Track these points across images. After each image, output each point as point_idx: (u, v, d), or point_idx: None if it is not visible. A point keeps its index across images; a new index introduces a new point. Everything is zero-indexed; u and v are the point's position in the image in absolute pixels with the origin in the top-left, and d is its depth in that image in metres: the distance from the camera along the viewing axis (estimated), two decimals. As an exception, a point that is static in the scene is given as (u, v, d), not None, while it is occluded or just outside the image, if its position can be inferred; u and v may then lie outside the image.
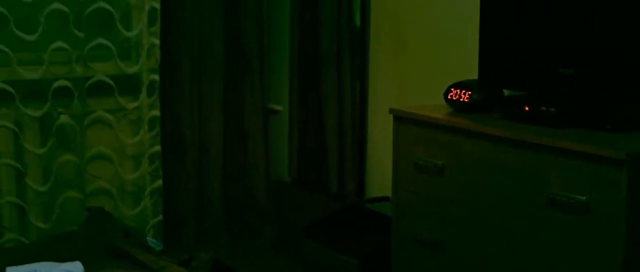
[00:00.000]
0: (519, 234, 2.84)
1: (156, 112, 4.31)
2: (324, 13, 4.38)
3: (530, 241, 2.79)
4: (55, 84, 4.06)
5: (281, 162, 4.76)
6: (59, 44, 4.05)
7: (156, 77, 4.29)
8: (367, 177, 4.34)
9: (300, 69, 4.51)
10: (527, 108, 2.94)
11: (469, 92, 3.15)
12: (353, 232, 3.88)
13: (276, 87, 4.74)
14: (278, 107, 4.74)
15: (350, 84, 4.39)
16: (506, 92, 3.25)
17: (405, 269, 3.33)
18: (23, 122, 4.05)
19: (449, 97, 3.22)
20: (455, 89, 3.21)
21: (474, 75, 3.31)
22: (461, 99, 3.18)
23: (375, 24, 4.29)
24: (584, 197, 2.59)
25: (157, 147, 4.36)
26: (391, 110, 3.30)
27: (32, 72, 4.02)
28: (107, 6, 4.15)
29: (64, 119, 4.11)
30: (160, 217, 4.38)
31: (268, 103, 4.63)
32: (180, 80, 4.32)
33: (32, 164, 4.10)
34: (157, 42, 4.25)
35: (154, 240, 3.44)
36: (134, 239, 3.12)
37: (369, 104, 4.34)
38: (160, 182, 4.38)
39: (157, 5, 4.22)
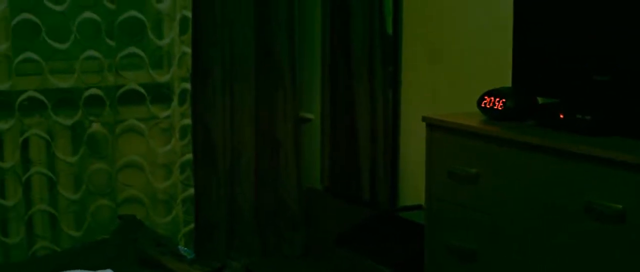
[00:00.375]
0: (553, 242, 2.79)
1: (188, 121, 4.31)
2: (355, 21, 4.34)
3: (565, 249, 2.74)
4: (87, 93, 4.08)
5: (313, 171, 4.74)
6: (90, 52, 4.06)
7: (188, 85, 4.29)
8: (400, 186, 4.30)
9: (332, 77, 4.48)
10: (562, 115, 2.89)
11: (503, 100, 3.11)
12: (385, 241, 3.85)
13: (308, 95, 4.71)
14: (310, 116, 4.72)
15: (382, 92, 4.35)
16: (540, 100, 3.21)
17: (438, 278, 3.29)
18: (55, 130, 4.07)
19: (482, 104, 3.18)
20: (488, 96, 3.16)
21: (507, 83, 3.27)
22: (495, 107, 3.13)
23: (407, 32, 4.25)
24: (620, 206, 2.54)
25: (189, 156, 4.35)
26: (424, 118, 3.26)
27: (64, 80, 4.03)
28: (139, 15, 4.16)
29: (95, 127, 4.13)
30: (192, 225, 4.37)
31: (300, 111, 4.61)
32: (211, 89, 4.32)
33: (64, 173, 4.11)
34: (188, 50, 4.25)
35: (185, 248, 3.43)
36: (166, 248, 3.11)
37: (402, 111, 4.30)
38: (191, 190, 4.38)
39: (189, 14, 4.22)
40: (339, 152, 4.51)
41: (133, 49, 4.18)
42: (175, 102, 4.30)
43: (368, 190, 4.33)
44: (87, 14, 4.02)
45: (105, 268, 2.89)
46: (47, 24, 3.98)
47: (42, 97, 3.99)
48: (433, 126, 3.23)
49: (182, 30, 4.26)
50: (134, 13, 4.15)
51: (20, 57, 3.95)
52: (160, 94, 4.29)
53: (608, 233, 2.59)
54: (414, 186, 4.18)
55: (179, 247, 3.36)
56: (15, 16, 3.91)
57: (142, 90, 4.22)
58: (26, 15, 3.94)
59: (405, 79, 4.26)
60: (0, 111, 3.94)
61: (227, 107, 4.36)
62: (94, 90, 4.09)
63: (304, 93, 4.69)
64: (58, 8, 3.98)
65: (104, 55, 4.09)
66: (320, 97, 4.57)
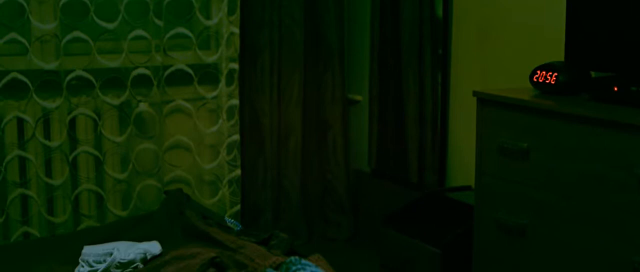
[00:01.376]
0: (604, 216, 2.73)
1: (235, 101, 4.28)
2: (405, 3, 4.30)
3: (617, 224, 2.68)
4: (135, 72, 4.06)
5: (361, 153, 4.69)
6: (138, 32, 4.04)
7: (235, 65, 4.26)
8: (449, 168, 4.24)
9: (381, 59, 4.43)
10: (616, 88, 2.83)
11: (556, 74, 3.05)
12: (433, 221, 3.80)
13: (356, 77, 4.67)
14: (358, 98, 4.67)
15: (431, 74, 4.30)
16: (593, 74, 3.14)
17: (488, 255, 3.23)
18: (102, 110, 4.06)
19: (534, 79, 3.12)
20: (541, 70, 3.10)
21: (560, 58, 3.21)
22: (547, 81, 3.07)
23: (457, 14, 4.20)
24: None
25: (236, 136, 4.32)
26: (475, 93, 3.21)
27: (111, 60, 4.02)
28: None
29: (142, 107, 4.11)
30: (238, 207, 4.35)
31: (348, 93, 4.57)
32: (259, 70, 4.30)
33: (111, 152, 4.10)
34: (236, 31, 4.23)
35: (232, 220, 3.39)
36: (212, 220, 3.07)
37: (451, 93, 4.25)
38: (238, 171, 4.35)
39: (238, -6, 4.20)
40: (387, 134, 4.47)
41: (181, 29, 4.16)
42: (222, 83, 4.27)
43: (416, 172, 4.28)
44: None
45: (151, 240, 2.87)
46: (95, 4, 3.96)
47: (89, 77, 3.98)
48: (484, 101, 3.18)
49: (230, 11, 4.23)
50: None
51: (69, 36, 3.93)
52: (207, 74, 4.26)
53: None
54: (463, 167, 4.12)
55: (226, 218, 3.33)
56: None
57: (189, 70, 4.20)
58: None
59: (455, 61, 4.20)
60: (47, 90, 3.93)
61: (274, 89, 4.33)
62: (141, 70, 4.07)
63: (352, 75, 4.65)
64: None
65: (151, 35, 4.07)
66: (369, 79, 4.52)
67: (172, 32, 4.13)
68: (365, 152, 4.63)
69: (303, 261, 2.43)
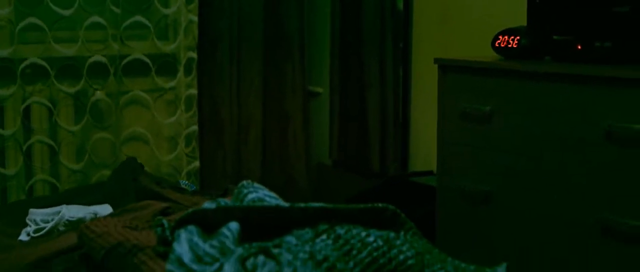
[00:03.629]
0: (572, 174, 2.67)
1: (193, 91, 4.20)
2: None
3: (585, 179, 2.62)
4: (91, 60, 3.97)
5: (322, 145, 4.63)
6: (95, 18, 3.96)
7: (194, 54, 4.19)
8: (411, 157, 4.19)
9: (342, 49, 4.38)
10: (579, 47, 2.78)
11: (518, 38, 3.01)
12: (396, 204, 3.71)
13: (317, 68, 4.61)
14: (319, 90, 4.61)
15: (392, 66, 4.26)
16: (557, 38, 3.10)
17: (452, 225, 3.16)
18: (57, 98, 3.96)
19: (496, 44, 3.08)
20: (503, 35, 3.06)
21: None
22: (509, 46, 3.03)
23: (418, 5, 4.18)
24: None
25: (194, 127, 4.24)
26: (436, 60, 3.16)
27: (67, 48, 3.93)
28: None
29: (99, 95, 4.01)
30: (197, 198, 4.25)
31: (309, 85, 4.51)
32: (219, 59, 4.22)
33: (66, 142, 4.00)
34: (195, 19, 4.16)
35: (186, 182, 3.31)
36: (167, 183, 2.99)
37: (413, 81, 4.21)
38: (197, 163, 4.27)
39: (196, -19, 4.14)
40: (349, 126, 4.40)
41: (138, 18, 4.08)
42: (180, 73, 4.19)
43: (378, 162, 4.22)
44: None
45: (103, 203, 2.79)
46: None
47: (44, 64, 3.89)
48: (445, 67, 3.13)
49: (188, -1, 4.18)
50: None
51: (23, 22, 3.84)
52: (166, 64, 4.18)
53: (631, 157, 2.47)
54: (425, 155, 4.07)
55: (180, 181, 3.25)
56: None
57: (147, 60, 4.11)
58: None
59: (417, 49, 4.17)
60: (1, 78, 3.83)
61: (234, 79, 4.25)
62: (98, 58, 3.98)
63: (313, 66, 4.59)
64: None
65: (108, 23, 3.99)
66: (330, 70, 4.46)
67: (129, 21, 4.05)
68: (327, 144, 4.56)
69: (255, 184, 2.36)
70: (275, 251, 1.87)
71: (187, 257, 1.97)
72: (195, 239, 2.05)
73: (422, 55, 4.14)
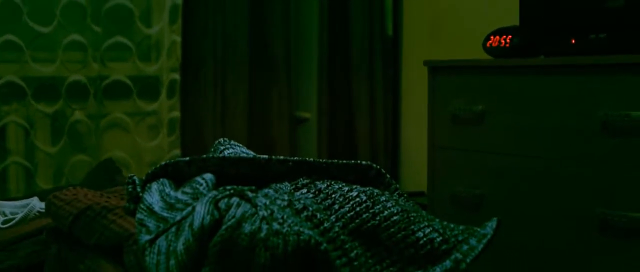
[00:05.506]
0: (566, 171, 2.54)
1: (176, 114, 4.06)
2: (354, 16, 4.17)
3: (579, 176, 2.49)
4: (70, 78, 3.83)
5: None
6: (75, 36, 3.83)
7: (177, 76, 4.06)
8: (402, 180, 4.05)
9: (330, 74, 4.25)
10: (573, 41, 2.66)
11: (510, 36, 2.88)
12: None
13: (304, 93, 4.48)
14: (306, 115, 4.47)
15: (382, 91, 4.14)
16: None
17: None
18: (34, 118, 3.82)
19: (488, 45, 2.96)
20: (494, 35, 2.94)
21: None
22: (501, 45, 2.90)
23: (407, 31, 4.08)
24: (640, 113, 2.31)
25: (177, 151, 4.09)
26: (426, 62, 3.03)
27: (45, 67, 3.80)
28: (127, 3, 3.95)
29: (78, 115, 3.87)
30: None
31: (295, 110, 4.37)
32: (203, 81, 4.09)
33: (43, 164, 3.85)
34: (178, 39, 4.03)
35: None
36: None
37: (402, 109, 4.10)
38: (179, 189, 4.10)
39: (180, 1, 4.01)
40: (337, 152, 4.26)
41: (120, 38, 3.95)
42: (163, 95, 4.06)
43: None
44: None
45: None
46: (29, 6, 3.76)
47: (22, 83, 3.76)
48: (435, 69, 3.01)
49: (172, 19, 4.05)
50: (121, 1, 3.94)
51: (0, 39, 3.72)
52: (147, 86, 4.05)
53: (628, 147, 2.34)
54: (416, 176, 3.94)
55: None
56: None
57: (128, 82, 3.98)
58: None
59: (406, 77, 4.06)
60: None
61: (218, 102, 4.11)
62: (77, 77, 3.85)
63: (300, 91, 4.46)
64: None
65: (88, 42, 3.86)
66: (317, 94, 4.32)
67: (110, 41, 3.93)
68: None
69: (232, 142, 2.23)
70: (251, 195, 1.73)
71: (157, 206, 1.87)
72: (167, 190, 1.95)
73: (412, 80, 4.03)
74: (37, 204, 2.53)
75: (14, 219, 2.51)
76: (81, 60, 3.89)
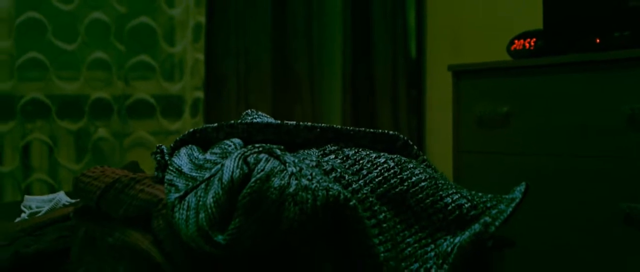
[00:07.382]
0: (592, 167, 2.51)
1: (200, 132, 4.05)
2: (377, 36, 4.17)
3: (605, 172, 2.46)
4: (94, 96, 3.84)
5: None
6: (98, 54, 3.85)
7: (200, 94, 4.07)
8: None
9: (353, 94, 4.25)
10: (598, 40, 2.65)
11: (534, 39, 2.87)
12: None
13: (327, 111, 4.47)
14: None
15: (406, 113, 4.12)
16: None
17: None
18: (58, 135, 3.82)
19: (512, 49, 2.94)
20: (518, 39, 2.93)
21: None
22: (526, 48, 2.89)
23: (430, 52, 4.07)
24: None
25: (200, 169, 4.07)
26: (450, 67, 3.02)
27: (70, 84, 3.81)
28: (150, 22, 3.97)
29: (101, 132, 3.87)
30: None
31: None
32: (225, 99, 4.08)
33: (66, 181, 3.84)
34: (201, 57, 4.04)
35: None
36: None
37: (426, 131, 4.09)
38: (202, 209, 4.08)
39: (203, 20, 4.02)
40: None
41: (143, 57, 3.97)
42: (187, 114, 4.06)
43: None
44: (97, 15, 3.84)
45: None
46: (53, 23, 3.78)
47: (46, 100, 3.77)
48: (460, 73, 2.99)
49: (195, 37, 4.06)
50: (144, 19, 3.95)
51: (24, 57, 3.73)
52: (171, 105, 4.05)
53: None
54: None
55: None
56: (21, 14, 3.73)
57: (152, 100, 3.99)
58: (31, 14, 3.75)
59: (430, 96, 4.05)
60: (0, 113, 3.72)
61: (242, 120, 4.10)
62: (101, 94, 3.86)
63: (323, 111, 4.45)
64: (66, 7, 3.80)
65: (112, 59, 3.88)
66: (341, 116, 4.31)
67: (134, 60, 3.94)
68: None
69: (260, 112, 2.22)
70: (280, 152, 1.72)
71: (186, 167, 1.86)
72: (196, 154, 1.95)
73: (436, 102, 4.02)
74: (63, 197, 2.53)
75: (40, 211, 2.51)
76: (105, 78, 3.90)
